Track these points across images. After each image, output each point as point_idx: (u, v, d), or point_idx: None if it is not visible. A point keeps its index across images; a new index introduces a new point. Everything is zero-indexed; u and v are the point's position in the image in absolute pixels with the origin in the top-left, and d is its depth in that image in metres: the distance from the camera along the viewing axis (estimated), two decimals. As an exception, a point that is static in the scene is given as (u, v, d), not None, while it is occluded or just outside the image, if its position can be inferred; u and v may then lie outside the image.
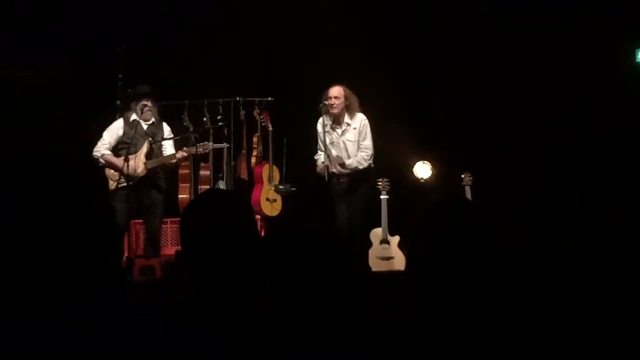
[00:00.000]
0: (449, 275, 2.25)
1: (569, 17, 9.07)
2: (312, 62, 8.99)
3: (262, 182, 8.90)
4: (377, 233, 8.56)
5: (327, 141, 8.20)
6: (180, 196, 8.66)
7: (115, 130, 8.38)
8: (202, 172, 8.77)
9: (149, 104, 8.35)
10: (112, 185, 8.18)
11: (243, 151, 9.03)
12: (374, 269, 8.12)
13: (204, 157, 8.67)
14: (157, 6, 9.50)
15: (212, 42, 9.33)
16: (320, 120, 8.26)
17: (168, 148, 8.50)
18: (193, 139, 8.62)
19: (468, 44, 9.31)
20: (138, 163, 8.21)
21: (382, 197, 8.58)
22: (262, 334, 2.20)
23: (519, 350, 2.21)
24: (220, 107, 8.85)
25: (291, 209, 8.80)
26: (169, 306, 2.32)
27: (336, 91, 8.16)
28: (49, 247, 1.44)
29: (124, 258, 8.22)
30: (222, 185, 8.63)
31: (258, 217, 8.42)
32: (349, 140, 8.23)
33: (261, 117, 8.96)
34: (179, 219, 8.38)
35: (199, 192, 8.47)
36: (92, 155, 8.25)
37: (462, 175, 8.70)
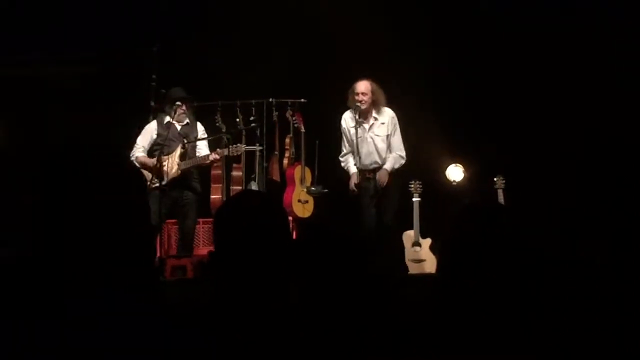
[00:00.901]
0: (480, 278, 2.25)
1: (605, 15, 8.99)
2: (345, 63, 8.98)
3: (294, 183, 8.90)
4: (409, 235, 8.55)
5: (355, 137, 8.16)
6: (212, 197, 8.69)
7: (149, 133, 8.45)
8: (234, 173, 8.80)
9: (183, 107, 8.40)
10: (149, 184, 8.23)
11: (275, 152, 9.04)
12: (405, 272, 8.13)
13: (236, 158, 8.69)
14: (191, 6, 9.54)
15: (246, 43, 9.36)
16: (344, 115, 8.26)
17: (202, 148, 8.54)
18: (226, 139, 8.65)
19: (503, 45, 9.25)
20: (172, 164, 8.27)
21: (414, 199, 8.56)
22: (291, 334, 2.21)
23: (550, 351, 2.20)
24: (253, 108, 8.87)
25: (323, 210, 8.82)
26: (198, 306, 2.33)
27: (363, 86, 8.13)
28: (81, 244, 1.45)
29: (156, 258, 8.26)
30: (254, 186, 8.64)
31: (290, 218, 8.43)
32: (377, 135, 8.20)
33: (294, 118, 8.97)
34: (210, 219, 8.44)
35: (231, 193, 8.50)
36: (129, 159, 8.34)
37: (495, 179, 8.65)
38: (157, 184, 8.14)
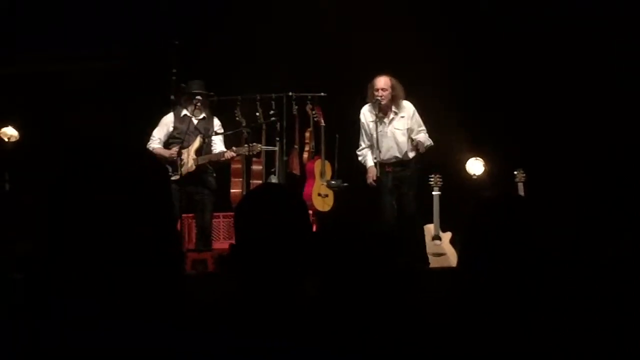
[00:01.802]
0: (500, 272, 2.25)
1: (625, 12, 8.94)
2: (364, 57, 8.97)
3: (313, 177, 8.92)
4: (429, 229, 8.55)
5: (375, 131, 8.17)
6: (232, 191, 8.72)
7: (165, 125, 8.46)
8: (254, 167, 8.82)
9: (201, 100, 8.41)
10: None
11: (295, 146, 9.06)
12: (425, 265, 8.13)
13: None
14: (212, 1, 9.56)
15: (266, 37, 9.37)
16: (363, 110, 8.26)
17: (218, 143, 8.53)
18: (245, 133, 8.67)
19: (526, 38, 9.21)
20: (188, 158, 8.28)
21: (434, 193, 8.56)
22: (311, 327, 2.22)
23: (568, 346, 2.20)
24: (273, 102, 8.89)
25: (343, 204, 8.83)
26: (220, 299, 2.35)
27: (383, 82, 8.12)
28: (104, 241, 1.47)
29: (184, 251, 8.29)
30: (274, 180, 8.66)
31: (310, 212, 8.44)
32: (397, 129, 8.20)
33: (313, 112, 8.99)
34: (231, 213, 8.47)
35: (251, 187, 8.52)
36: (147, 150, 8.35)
37: (515, 172, 8.63)
38: (173, 177, 8.15)
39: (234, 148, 8.44)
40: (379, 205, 8.11)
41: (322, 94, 9.01)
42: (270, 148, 8.69)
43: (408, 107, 8.23)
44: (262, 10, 9.45)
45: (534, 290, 2.22)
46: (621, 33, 8.90)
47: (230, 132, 8.68)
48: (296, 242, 2.39)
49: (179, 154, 8.15)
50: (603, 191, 8.17)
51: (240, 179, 8.74)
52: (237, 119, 8.87)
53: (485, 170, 9.00)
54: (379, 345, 2.25)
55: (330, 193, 8.90)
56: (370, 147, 8.22)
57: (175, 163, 8.14)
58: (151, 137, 8.42)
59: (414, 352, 2.23)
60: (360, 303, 2.36)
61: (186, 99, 8.45)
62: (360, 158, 8.34)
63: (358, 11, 9.16)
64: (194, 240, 8.73)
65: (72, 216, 1.48)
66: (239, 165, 8.71)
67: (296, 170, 9.05)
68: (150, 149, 8.35)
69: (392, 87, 8.13)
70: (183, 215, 8.58)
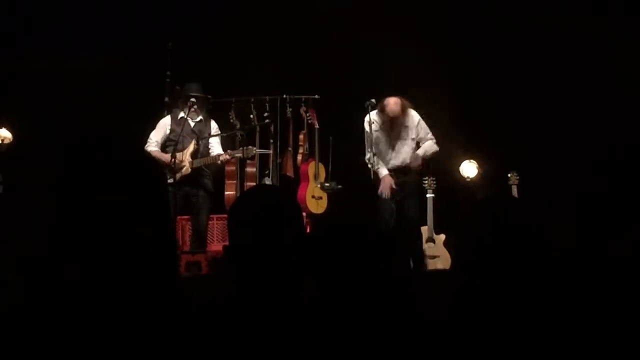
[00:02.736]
0: (494, 274, 2.25)
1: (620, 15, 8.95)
2: (359, 59, 8.97)
3: (307, 179, 8.91)
4: (423, 231, 8.55)
5: (380, 140, 8.18)
6: (226, 193, 8.71)
7: (162, 128, 8.47)
8: (248, 169, 8.80)
9: (197, 102, 8.41)
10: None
11: (289, 148, 9.05)
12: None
13: (250, 154, 8.70)
14: (206, 3, 9.56)
15: (259, 40, 9.37)
16: (367, 118, 8.25)
17: (215, 145, 8.54)
18: (239, 136, 8.66)
19: (519, 41, 9.22)
20: (184, 161, 8.28)
21: (428, 195, 8.56)
22: (306, 329, 2.21)
23: (563, 348, 2.20)
24: (266, 105, 8.88)
25: (337, 206, 8.82)
26: (214, 301, 2.35)
27: (396, 110, 8.16)
28: (103, 241, 1.46)
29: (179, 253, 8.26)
30: (268, 182, 8.66)
31: (304, 214, 8.42)
32: (402, 138, 8.26)
33: (307, 114, 8.98)
34: (225, 215, 8.45)
35: (245, 189, 8.51)
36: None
37: (509, 175, 8.63)
38: (170, 180, 8.15)
39: (229, 151, 8.44)
40: (377, 206, 8.13)
41: (316, 96, 9.01)
42: (266, 151, 8.69)
43: (413, 117, 8.26)
44: (256, 12, 9.45)
45: (528, 292, 2.22)
46: (619, 35, 8.92)
47: (224, 134, 8.67)
48: (290, 244, 2.39)
49: (174, 156, 8.14)
50: (597, 192, 8.18)
51: (235, 181, 8.72)
52: (231, 121, 8.87)
53: (479, 172, 9.00)
54: (372, 349, 2.24)
55: (324, 195, 8.90)
56: (376, 154, 8.22)
57: (172, 167, 8.14)
58: (148, 140, 8.42)
59: (408, 355, 2.22)
60: (354, 305, 2.36)
61: (183, 101, 8.46)
62: (370, 165, 8.24)
63: (353, 13, 9.16)
64: (188, 242, 8.72)
65: (72, 216, 1.47)
66: (233, 168, 8.70)
67: (290, 173, 9.04)
68: (148, 151, 8.35)
69: (403, 109, 8.17)
70: (178, 217, 8.58)
